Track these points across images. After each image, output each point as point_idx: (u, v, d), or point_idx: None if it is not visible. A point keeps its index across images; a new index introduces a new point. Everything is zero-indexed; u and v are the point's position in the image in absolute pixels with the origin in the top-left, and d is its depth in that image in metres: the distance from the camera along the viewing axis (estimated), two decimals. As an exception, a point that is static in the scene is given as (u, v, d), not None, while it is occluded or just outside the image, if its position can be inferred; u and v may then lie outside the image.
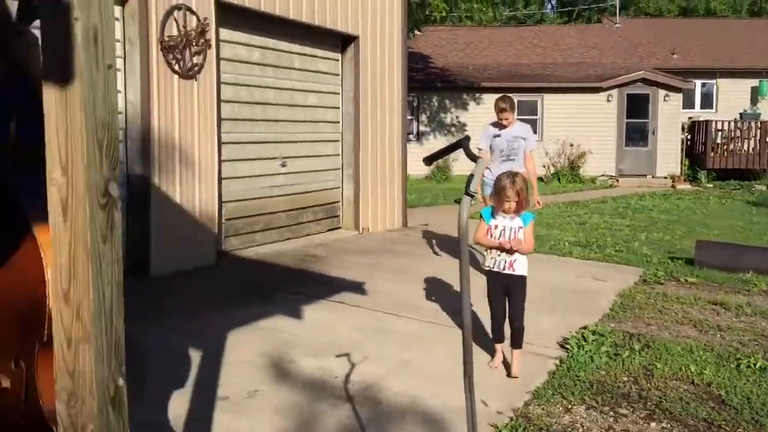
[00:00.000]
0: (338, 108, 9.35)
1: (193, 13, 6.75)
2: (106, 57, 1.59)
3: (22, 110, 2.09)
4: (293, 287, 6.18)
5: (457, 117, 20.52)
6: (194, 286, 6.19)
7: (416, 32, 20.39)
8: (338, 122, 9.36)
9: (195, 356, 4.29)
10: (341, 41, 9.23)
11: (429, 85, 20.17)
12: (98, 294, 1.55)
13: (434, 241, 8.76)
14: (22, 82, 2.10)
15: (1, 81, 2.06)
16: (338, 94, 9.33)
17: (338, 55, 9.28)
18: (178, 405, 3.56)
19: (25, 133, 2.11)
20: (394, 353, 4.53)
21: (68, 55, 1.54)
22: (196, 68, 6.83)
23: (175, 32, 6.58)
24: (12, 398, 2.04)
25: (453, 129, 20.44)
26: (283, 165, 8.31)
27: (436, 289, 6.17)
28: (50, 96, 1.57)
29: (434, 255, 8.04)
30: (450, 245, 8.39)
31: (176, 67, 6.63)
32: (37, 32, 2.09)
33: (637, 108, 19.98)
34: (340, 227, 9.39)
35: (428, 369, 4.28)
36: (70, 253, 1.56)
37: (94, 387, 1.53)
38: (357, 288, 6.19)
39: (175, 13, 6.58)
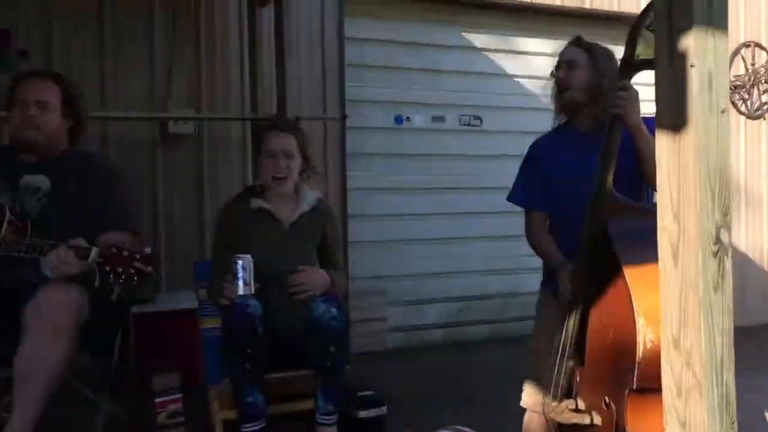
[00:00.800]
0: None
1: (762, 48, 6.29)
2: (720, 102, 1.55)
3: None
4: None
5: None
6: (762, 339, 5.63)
7: None
8: None
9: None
10: None
11: None
12: (709, 344, 1.50)
13: None
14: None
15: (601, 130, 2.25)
16: None
17: None
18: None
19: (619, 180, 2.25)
20: None
21: (681, 102, 1.55)
22: (765, 107, 6.32)
23: (741, 71, 6.23)
24: (601, 436, 2.15)
25: None
26: None
27: None
28: (661, 142, 1.61)
29: None
30: None
31: (742, 108, 6.27)
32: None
33: None
34: None
35: None
36: (681, 299, 1.55)
37: (706, 441, 1.47)
38: None
39: (743, 50, 6.23)
